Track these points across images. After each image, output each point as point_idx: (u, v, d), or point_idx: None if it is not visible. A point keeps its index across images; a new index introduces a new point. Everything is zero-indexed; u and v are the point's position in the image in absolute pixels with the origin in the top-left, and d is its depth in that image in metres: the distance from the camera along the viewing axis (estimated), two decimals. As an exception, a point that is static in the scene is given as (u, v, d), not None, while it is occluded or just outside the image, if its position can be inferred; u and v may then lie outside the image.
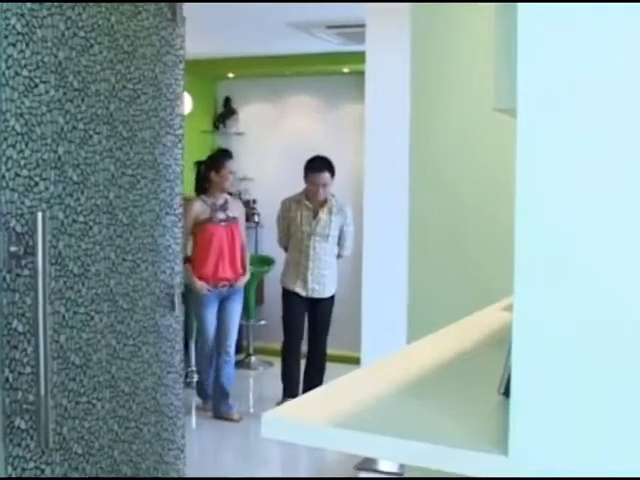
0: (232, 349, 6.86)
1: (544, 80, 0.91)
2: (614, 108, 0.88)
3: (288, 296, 7.18)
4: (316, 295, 7.07)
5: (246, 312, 8.49)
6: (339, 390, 1.21)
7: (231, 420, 6.73)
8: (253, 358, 8.53)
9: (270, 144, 9.05)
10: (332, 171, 7.01)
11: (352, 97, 8.31)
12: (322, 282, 7.05)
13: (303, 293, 7.06)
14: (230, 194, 6.90)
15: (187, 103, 8.19)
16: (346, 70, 8.29)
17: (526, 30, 0.91)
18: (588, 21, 0.88)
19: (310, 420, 1.04)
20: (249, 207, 9.27)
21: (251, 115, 9.33)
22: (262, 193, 9.13)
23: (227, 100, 9.35)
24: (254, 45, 7.82)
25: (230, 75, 9.14)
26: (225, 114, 9.35)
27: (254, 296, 8.50)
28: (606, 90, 0.89)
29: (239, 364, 8.42)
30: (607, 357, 0.89)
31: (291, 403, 1.12)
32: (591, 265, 0.89)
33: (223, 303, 6.80)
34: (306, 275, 7.02)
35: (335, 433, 1.01)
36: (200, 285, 6.48)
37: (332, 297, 7.20)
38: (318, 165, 7.01)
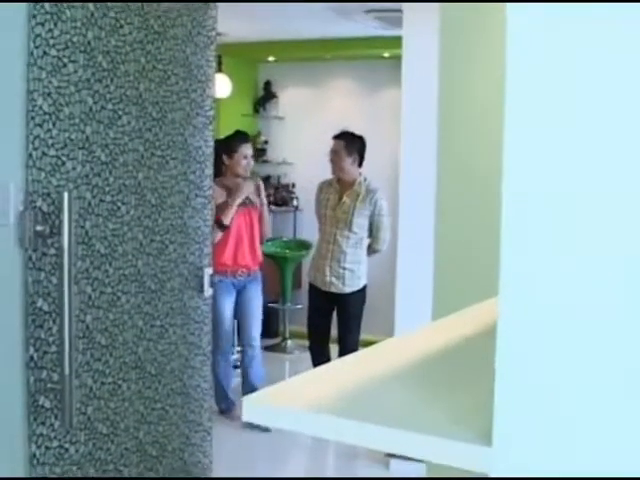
0: (257, 342, 6.32)
1: (532, 75, 0.89)
2: (603, 107, 0.86)
3: (310, 290, 6.60)
4: (334, 290, 6.34)
5: (283, 296, 8.50)
6: (328, 375, 1.19)
7: (258, 428, 5.87)
8: (289, 342, 8.52)
9: (310, 128, 9.02)
10: (351, 144, 6.34)
11: (393, 82, 8.23)
12: (341, 276, 6.31)
13: (322, 287, 6.39)
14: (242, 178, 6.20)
15: (227, 86, 8.19)
16: (386, 55, 8.23)
17: (515, 25, 0.89)
18: (573, 18, 0.86)
19: (290, 404, 1.02)
20: (288, 191, 9.27)
21: (291, 99, 9.31)
22: (301, 177, 9.11)
23: (267, 84, 9.34)
24: (295, 29, 7.80)
25: (270, 59, 9.13)
26: (265, 98, 9.35)
27: (291, 280, 8.49)
28: (594, 86, 0.86)
29: (275, 348, 8.43)
30: (591, 349, 0.87)
31: (276, 387, 1.10)
32: (575, 261, 0.87)
33: (241, 293, 6.24)
34: (324, 267, 6.33)
35: (313, 418, 0.99)
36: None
37: (356, 293, 6.39)
38: (338, 134, 6.48)
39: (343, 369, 1.23)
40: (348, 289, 6.35)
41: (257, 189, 6.27)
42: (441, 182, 2.67)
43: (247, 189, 6.06)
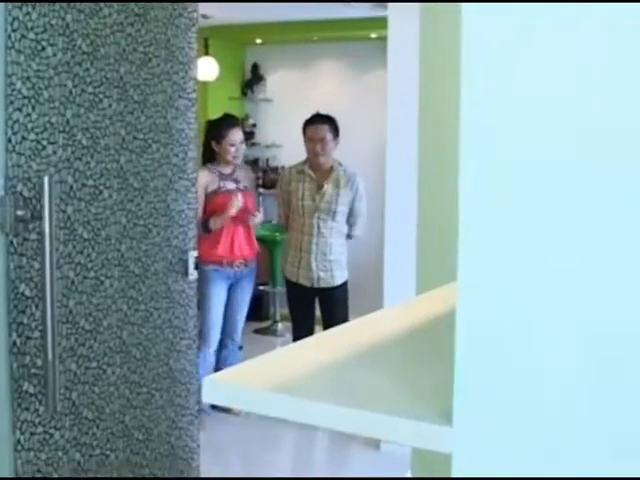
0: (239, 337, 6.13)
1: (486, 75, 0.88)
2: (559, 103, 0.86)
3: (291, 287, 6.14)
4: (322, 285, 5.95)
5: (273, 279, 8.49)
6: (294, 355, 1.19)
7: (232, 413, 5.97)
8: (279, 325, 8.52)
9: (298, 110, 8.94)
10: (333, 127, 5.95)
11: (380, 63, 8.19)
12: (329, 268, 5.92)
13: (307, 283, 5.96)
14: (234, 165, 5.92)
15: (214, 69, 8.15)
16: (374, 36, 8.19)
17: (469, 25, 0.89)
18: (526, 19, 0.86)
19: (249, 385, 1.01)
20: (277, 174, 9.24)
21: (279, 81, 9.27)
22: (290, 160, 9.02)
23: (255, 66, 9.30)
24: (282, 11, 7.76)
25: (258, 41, 9.08)
26: (253, 80, 9.31)
27: (280, 263, 8.47)
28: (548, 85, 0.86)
29: (265, 331, 8.44)
30: (548, 329, 0.86)
31: (237, 367, 1.10)
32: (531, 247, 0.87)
33: (235, 286, 5.97)
34: (309, 261, 5.90)
35: (272, 398, 0.98)
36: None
37: (343, 285, 6.06)
38: (314, 119, 6.02)
39: (310, 349, 1.23)
40: (338, 281, 6.01)
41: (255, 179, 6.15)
42: (423, 164, 2.66)
43: (238, 202, 5.69)
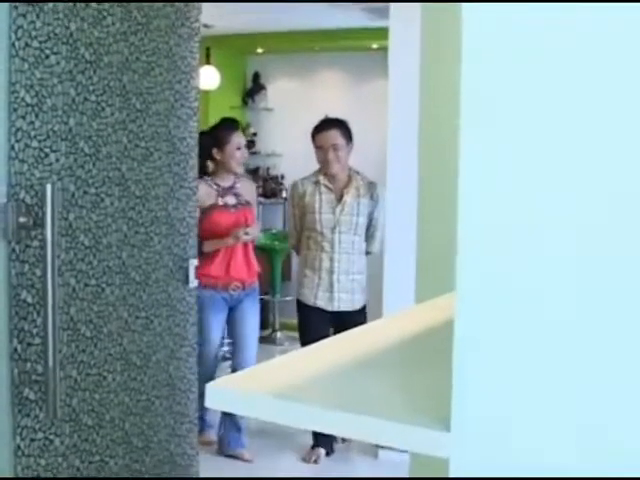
0: None
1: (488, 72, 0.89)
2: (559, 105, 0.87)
3: (306, 311, 5.41)
4: (343, 307, 5.31)
5: (272, 288, 8.51)
6: (294, 362, 1.20)
7: (242, 459, 5.47)
8: (279, 334, 8.55)
9: (299, 120, 9.00)
10: (345, 132, 5.39)
11: (381, 73, 8.22)
12: (351, 290, 5.33)
13: (327, 307, 5.32)
14: (236, 174, 5.35)
15: (215, 78, 8.19)
16: (375, 46, 8.22)
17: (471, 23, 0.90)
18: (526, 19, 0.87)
19: (253, 391, 1.03)
20: (277, 183, 9.26)
21: (280, 91, 9.31)
22: (290, 169, 9.11)
23: (256, 75, 9.34)
24: (283, 20, 7.79)
25: (259, 50, 9.12)
26: (254, 89, 9.35)
27: (280, 272, 8.50)
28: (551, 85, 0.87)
29: (265, 339, 8.45)
30: (544, 335, 0.87)
31: (239, 373, 1.11)
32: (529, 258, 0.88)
33: (235, 310, 5.35)
34: (331, 282, 5.28)
35: (275, 404, 0.99)
36: None
37: (363, 309, 5.45)
38: (323, 124, 5.44)
39: (311, 356, 1.24)
40: (358, 304, 5.43)
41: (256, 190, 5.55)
42: (423, 174, 2.67)
43: (240, 233, 5.10)
